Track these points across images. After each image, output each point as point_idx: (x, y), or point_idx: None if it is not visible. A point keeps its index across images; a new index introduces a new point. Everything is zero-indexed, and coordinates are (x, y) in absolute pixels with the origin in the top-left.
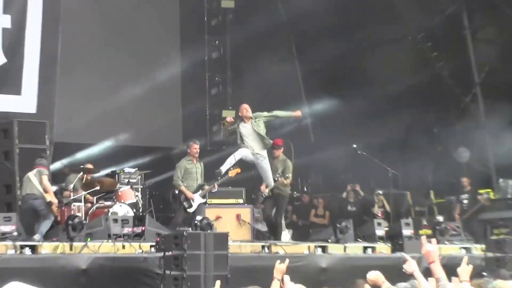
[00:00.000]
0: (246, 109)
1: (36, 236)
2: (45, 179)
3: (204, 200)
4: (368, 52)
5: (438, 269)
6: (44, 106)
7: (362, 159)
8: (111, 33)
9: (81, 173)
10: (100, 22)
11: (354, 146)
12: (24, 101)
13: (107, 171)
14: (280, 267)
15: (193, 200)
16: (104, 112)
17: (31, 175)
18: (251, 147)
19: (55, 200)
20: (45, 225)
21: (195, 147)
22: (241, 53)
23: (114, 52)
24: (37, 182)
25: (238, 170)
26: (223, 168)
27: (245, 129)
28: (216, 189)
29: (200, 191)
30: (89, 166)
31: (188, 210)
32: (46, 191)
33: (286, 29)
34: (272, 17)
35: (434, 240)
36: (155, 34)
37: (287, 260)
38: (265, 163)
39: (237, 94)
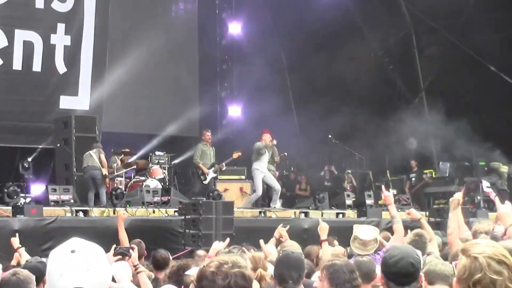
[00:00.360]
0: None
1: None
2: (103, 156)
3: (215, 175)
4: (342, 64)
5: (393, 210)
6: (95, 104)
7: (336, 146)
8: (145, 50)
9: (122, 155)
10: (136, 40)
11: (330, 136)
12: (80, 101)
13: (143, 154)
14: (280, 229)
15: (207, 174)
16: (140, 109)
17: (92, 152)
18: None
19: (107, 174)
20: (103, 195)
21: (208, 134)
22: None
23: (147, 62)
24: (96, 158)
25: (239, 153)
26: None
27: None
28: (224, 168)
29: (213, 168)
30: (128, 150)
31: (204, 182)
32: (103, 166)
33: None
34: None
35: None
36: (180, 51)
37: (288, 226)
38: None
39: (240, 95)
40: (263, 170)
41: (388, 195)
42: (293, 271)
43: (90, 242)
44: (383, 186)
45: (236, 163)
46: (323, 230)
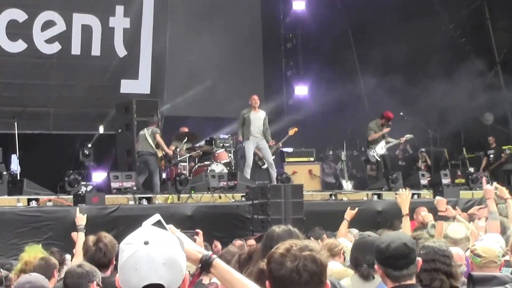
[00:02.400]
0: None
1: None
2: (158, 136)
3: (273, 157)
4: (412, 38)
5: (492, 205)
6: (155, 87)
7: (408, 123)
8: (207, 32)
9: (185, 139)
10: (197, 22)
11: (401, 113)
12: (140, 84)
13: (207, 137)
14: (350, 212)
15: (264, 159)
16: (203, 91)
17: (147, 134)
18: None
19: (169, 151)
20: (157, 181)
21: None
22: (309, 43)
23: (209, 44)
24: (151, 140)
25: (296, 129)
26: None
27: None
28: (281, 147)
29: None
30: (191, 133)
31: (262, 167)
32: (158, 147)
33: (344, 22)
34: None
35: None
36: (241, 32)
37: (356, 209)
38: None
39: (307, 74)
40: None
41: (489, 189)
42: (368, 255)
43: (162, 230)
44: (483, 179)
45: (304, 145)
46: (404, 203)
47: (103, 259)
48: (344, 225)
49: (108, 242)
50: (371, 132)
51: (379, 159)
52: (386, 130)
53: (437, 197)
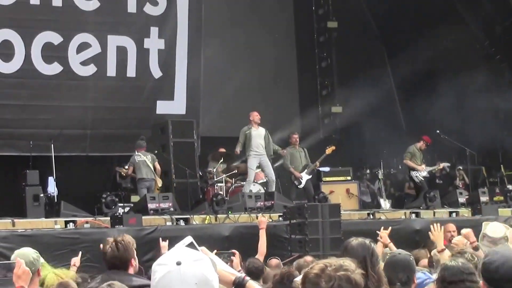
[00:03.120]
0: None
1: None
2: (157, 164)
3: (309, 177)
4: (445, 54)
5: None
6: (191, 108)
7: (444, 141)
8: (239, 51)
9: (222, 160)
10: (231, 42)
11: (438, 131)
12: (176, 105)
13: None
14: (383, 232)
15: (301, 178)
16: (238, 112)
17: (147, 161)
18: None
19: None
20: None
21: (295, 137)
22: (344, 62)
23: (244, 63)
24: (152, 166)
25: (333, 147)
26: None
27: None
28: (318, 166)
29: (306, 170)
30: (228, 153)
31: (298, 186)
32: (157, 174)
33: (377, 41)
34: (365, 33)
35: None
36: (276, 51)
37: (389, 228)
38: None
39: (342, 94)
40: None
41: None
42: (401, 273)
43: (195, 250)
44: None
45: (341, 164)
46: (438, 239)
47: (124, 254)
48: (378, 246)
49: (127, 239)
50: (408, 155)
51: (422, 179)
52: (420, 167)
53: (464, 230)
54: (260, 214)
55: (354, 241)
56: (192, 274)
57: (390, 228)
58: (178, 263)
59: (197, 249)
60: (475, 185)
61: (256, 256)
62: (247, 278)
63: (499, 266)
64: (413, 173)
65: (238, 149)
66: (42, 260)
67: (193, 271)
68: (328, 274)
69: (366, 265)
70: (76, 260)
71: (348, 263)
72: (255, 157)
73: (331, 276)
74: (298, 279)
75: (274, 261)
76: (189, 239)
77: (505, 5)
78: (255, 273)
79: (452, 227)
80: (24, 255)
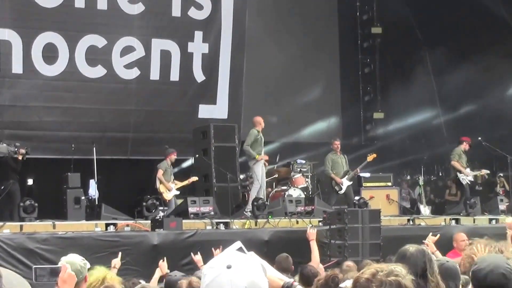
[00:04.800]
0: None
1: None
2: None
3: (350, 183)
4: (493, 66)
5: None
6: (233, 112)
7: (486, 148)
8: (282, 57)
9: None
10: (275, 47)
11: (479, 138)
12: (218, 109)
13: (284, 162)
14: (432, 238)
15: (341, 184)
16: (279, 116)
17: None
18: None
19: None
20: None
21: (336, 143)
22: (386, 68)
23: (286, 69)
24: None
25: (374, 155)
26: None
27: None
28: (359, 173)
29: (346, 176)
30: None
31: (339, 192)
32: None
33: (421, 48)
34: (409, 39)
35: None
36: (319, 56)
37: (438, 235)
38: None
39: (384, 100)
40: None
41: None
42: (451, 281)
43: (245, 255)
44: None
45: (382, 170)
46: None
47: None
48: None
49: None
50: (456, 156)
51: (469, 182)
52: (467, 172)
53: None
54: (308, 227)
55: (412, 248)
56: (242, 278)
57: (438, 235)
58: (229, 267)
59: (245, 254)
60: None
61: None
62: (296, 283)
63: (487, 274)
64: (460, 176)
65: (254, 153)
66: (88, 265)
67: (243, 275)
68: (379, 279)
69: (426, 272)
70: (116, 262)
71: (399, 268)
72: (261, 162)
73: (382, 281)
74: (345, 284)
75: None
76: (238, 244)
77: None
78: (311, 279)
79: (463, 236)
80: (71, 262)
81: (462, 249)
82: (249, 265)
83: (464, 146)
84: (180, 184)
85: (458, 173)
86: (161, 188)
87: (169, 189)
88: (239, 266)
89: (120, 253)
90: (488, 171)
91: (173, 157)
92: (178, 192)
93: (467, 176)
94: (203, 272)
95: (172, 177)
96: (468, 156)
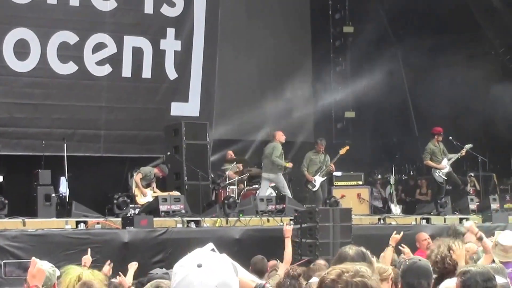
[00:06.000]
0: None
1: None
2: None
3: (323, 179)
4: (461, 65)
5: None
6: (205, 110)
7: (457, 148)
8: (255, 55)
9: (234, 163)
10: (246, 45)
11: (450, 138)
12: (190, 107)
13: (256, 161)
14: (395, 237)
15: (314, 181)
16: (250, 116)
17: None
18: None
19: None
20: None
21: (320, 145)
22: (357, 67)
23: (259, 67)
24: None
25: (347, 147)
26: None
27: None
28: (334, 169)
29: (319, 173)
30: (240, 157)
31: (312, 189)
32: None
33: (393, 44)
34: (381, 37)
35: None
36: (292, 54)
37: (401, 233)
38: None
39: (356, 99)
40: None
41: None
42: (422, 279)
43: (216, 253)
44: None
45: (353, 169)
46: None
47: None
48: (389, 250)
49: None
50: (427, 156)
51: (445, 178)
52: (441, 166)
53: (468, 223)
54: (285, 223)
55: (351, 250)
56: (213, 277)
57: (402, 233)
58: (199, 266)
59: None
60: (486, 192)
61: (282, 264)
62: (268, 285)
63: (477, 284)
64: (436, 174)
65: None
66: (58, 272)
67: (214, 274)
68: (345, 280)
69: None
70: (86, 259)
71: (365, 269)
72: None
73: (348, 282)
74: (312, 280)
75: (272, 262)
76: (210, 245)
77: None
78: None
79: (424, 235)
80: None
81: (426, 248)
82: (220, 264)
83: (436, 139)
84: (159, 193)
85: (433, 172)
86: (136, 191)
87: (144, 194)
88: (210, 265)
89: (89, 250)
90: (471, 145)
91: (160, 174)
92: (151, 199)
93: (442, 170)
94: (174, 271)
95: (154, 185)
96: (444, 143)
